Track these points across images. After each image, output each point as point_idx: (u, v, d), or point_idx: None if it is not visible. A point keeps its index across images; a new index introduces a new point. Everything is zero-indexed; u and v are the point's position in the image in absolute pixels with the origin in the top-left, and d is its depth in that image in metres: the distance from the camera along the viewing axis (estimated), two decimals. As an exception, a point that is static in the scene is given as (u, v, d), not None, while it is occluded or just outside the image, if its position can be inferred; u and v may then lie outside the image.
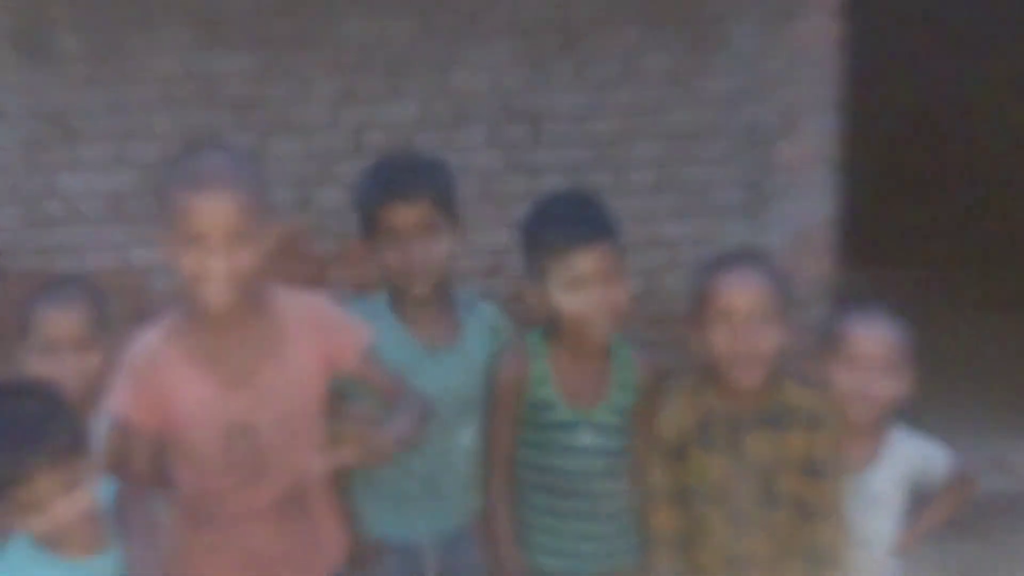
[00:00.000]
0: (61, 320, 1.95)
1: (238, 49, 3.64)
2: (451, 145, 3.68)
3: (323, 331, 1.72)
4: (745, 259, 1.89)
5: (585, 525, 1.91)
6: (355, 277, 3.64)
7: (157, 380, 1.65)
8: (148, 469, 1.70)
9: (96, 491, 1.60)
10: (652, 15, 3.66)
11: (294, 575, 1.80)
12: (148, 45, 3.64)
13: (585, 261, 1.77)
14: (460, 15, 3.67)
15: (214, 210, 1.53)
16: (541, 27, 3.67)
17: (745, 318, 1.76)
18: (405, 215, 1.83)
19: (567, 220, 1.82)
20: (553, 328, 1.89)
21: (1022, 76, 6.24)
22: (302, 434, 1.70)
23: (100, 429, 1.78)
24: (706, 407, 1.88)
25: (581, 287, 1.78)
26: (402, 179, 1.86)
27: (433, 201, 1.86)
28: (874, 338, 1.90)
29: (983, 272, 6.49)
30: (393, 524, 1.96)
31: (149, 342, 1.69)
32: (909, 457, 1.99)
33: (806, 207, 3.68)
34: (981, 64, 6.35)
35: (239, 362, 1.65)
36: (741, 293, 1.78)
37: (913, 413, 2.05)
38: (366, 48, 3.67)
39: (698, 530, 1.89)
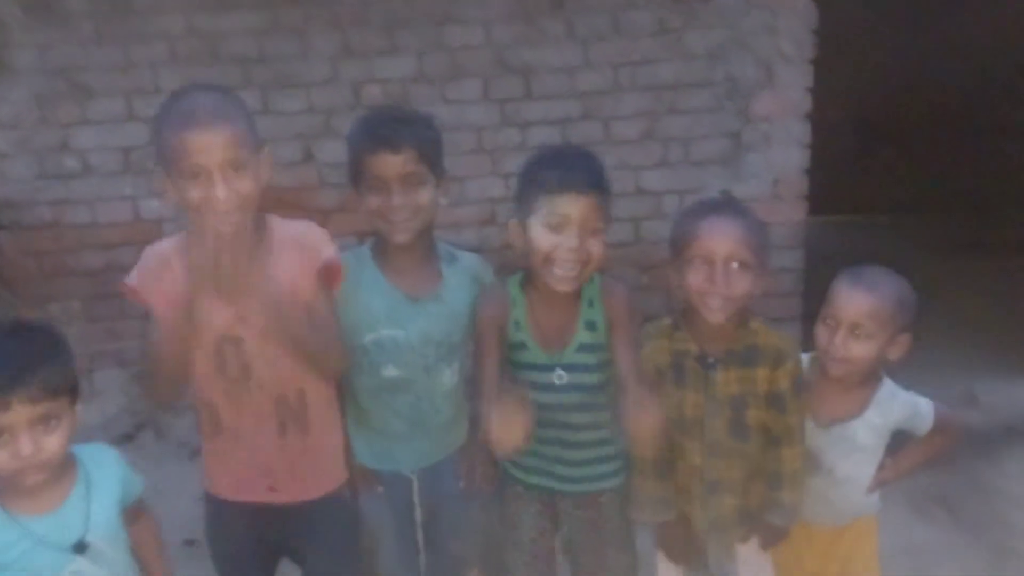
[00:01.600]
0: None
1: (241, 7, 3.75)
2: (446, 99, 3.82)
3: (303, 249, 1.82)
4: (725, 207, 1.97)
5: (565, 451, 2.02)
6: (356, 228, 3.77)
7: (163, 275, 1.79)
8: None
9: (66, 445, 1.64)
10: (638, -28, 3.75)
11: (298, 485, 1.93)
12: (154, 3, 3.75)
13: (572, 205, 1.84)
14: (454, -28, 3.75)
15: (211, 143, 1.62)
16: (532, -17, 3.75)
17: (723, 262, 1.86)
18: (390, 164, 1.90)
19: (565, 166, 1.89)
20: (528, 273, 1.99)
21: (984, 27, 6.33)
22: (285, 347, 1.80)
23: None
24: (679, 347, 1.99)
25: (562, 228, 1.86)
26: (389, 129, 1.92)
27: (418, 152, 1.93)
28: (854, 301, 1.96)
29: (947, 217, 6.66)
30: (381, 459, 2.07)
31: (160, 247, 1.85)
32: (895, 412, 2.04)
33: (782, 157, 3.82)
34: (946, 16, 6.45)
35: (231, 278, 1.71)
36: (720, 239, 1.86)
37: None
38: (364, 4, 3.76)
39: (676, 456, 2.01)
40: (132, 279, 1.83)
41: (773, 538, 2.08)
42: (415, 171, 1.93)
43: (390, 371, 1.99)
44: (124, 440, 3.88)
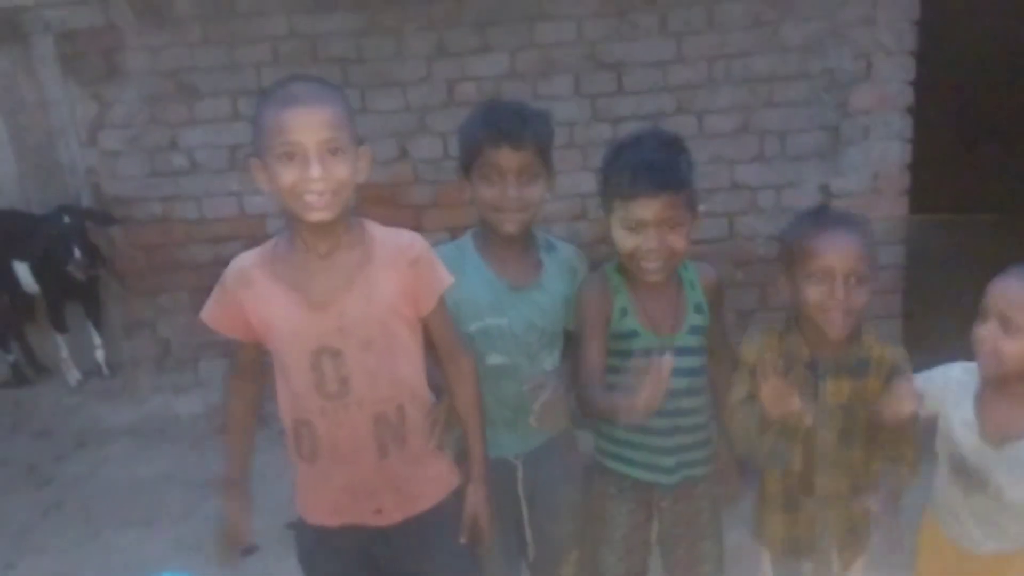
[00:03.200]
0: None
1: (339, 9, 3.85)
2: (538, 95, 3.85)
3: (413, 267, 1.73)
4: (841, 220, 1.91)
5: (667, 440, 2.00)
6: (449, 223, 3.85)
7: (243, 296, 1.69)
8: (251, 368, 1.82)
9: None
10: (733, -36, 3.72)
11: (405, 503, 1.82)
12: (257, 6, 3.88)
13: (645, 209, 1.84)
14: (546, -30, 3.78)
15: (308, 122, 1.57)
16: (624, -22, 3.75)
17: (843, 278, 1.81)
18: (510, 158, 1.92)
19: (636, 167, 1.87)
20: (622, 263, 1.99)
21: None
22: (386, 362, 1.72)
23: None
24: (791, 350, 1.93)
25: (639, 230, 1.87)
26: (512, 123, 1.93)
27: (537, 148, 1.96)
28: (1010, 294, 1.79)
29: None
30: (489, 446, 2.03)
31: (243, 261, 1.73)
32: None
33: (882, 151, 3.73)
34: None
35: (325, 287, 1.66)
36: (841, 255, 1.82)
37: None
38: (457, 4, 3.82)
39: (775, 462, 1.96)
40: (208, 313, 1.75)
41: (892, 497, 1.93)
42: (532, 165, 1.96)
43: (495, 359, 2.01)
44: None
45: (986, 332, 1.80)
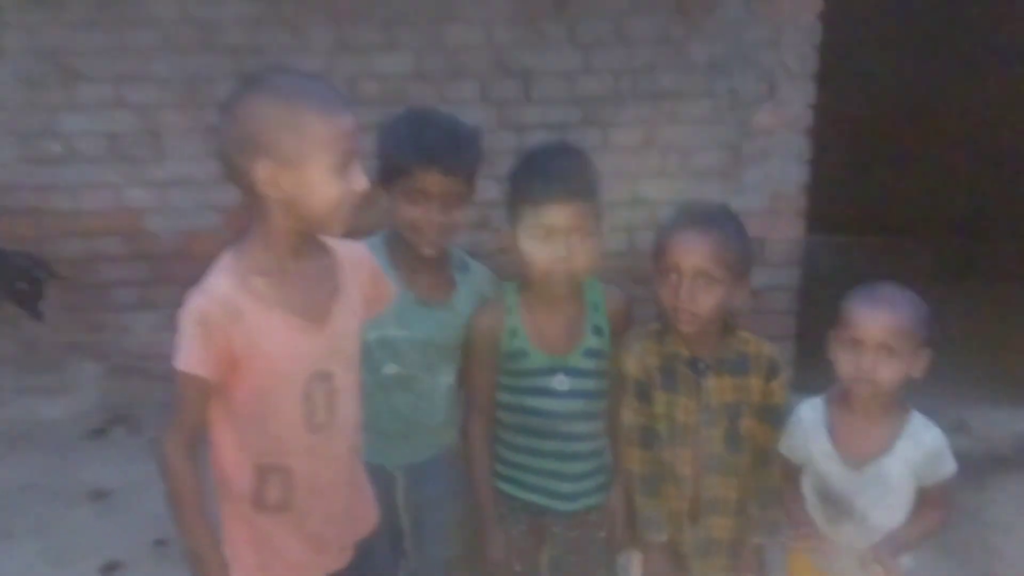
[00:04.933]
0: None
1: (236, -3, 3.68)
2: (445, 99, 3.76)
3: (372, 278, 1.72)
4: (701, 218, 1.89)
5: (561, 464, 1.98)
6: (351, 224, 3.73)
7: (232, 333, 1.48)
8: (202, 423, 1.56)
9: None
10: (643, -22, 3.70)
11: (352, 535, 1.74)
12: (149, -11, 3.67)
13: (556, 215, 1.82)
14: (455, -31, 3.70)
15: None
16: (535, -15, 3.70)
17: (690, 277, 1.81)
18: (440, 183, 1.86)
19: (546, 173, 1.86)
20: (525, 278, 1.95)
21: (992, 51, 6.34)
22: (357, 383, 1.67)
23: None
24: (669, 350, 1.93)
25: (549, 239, 1.83)
26: (447, 148, 1.87)
27: (467, 175, 1.92)
28: (878, 320, 1.83)
29: (940, 240, 6.64)
30: (371, 453, 1.98)
31: (220, 292, 1.49)
32: (927, 443, 1.87)
33: (781, 172, 3.79)
34: (950, 39, 6.45)
35: (313, 303, 1.56)
36: (687, 253, 1.81)
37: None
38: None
39: (667, 474, 1.95)
40: (188, 363, 1.48)
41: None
42: (460, 192, 1.91)
43: (391, 368, 1.97)
44: (96, 435, 3.79)
45: (866, 363, 1.83)
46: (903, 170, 6.82)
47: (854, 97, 6.32)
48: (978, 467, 3.56)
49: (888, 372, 1.82)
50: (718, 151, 3.82)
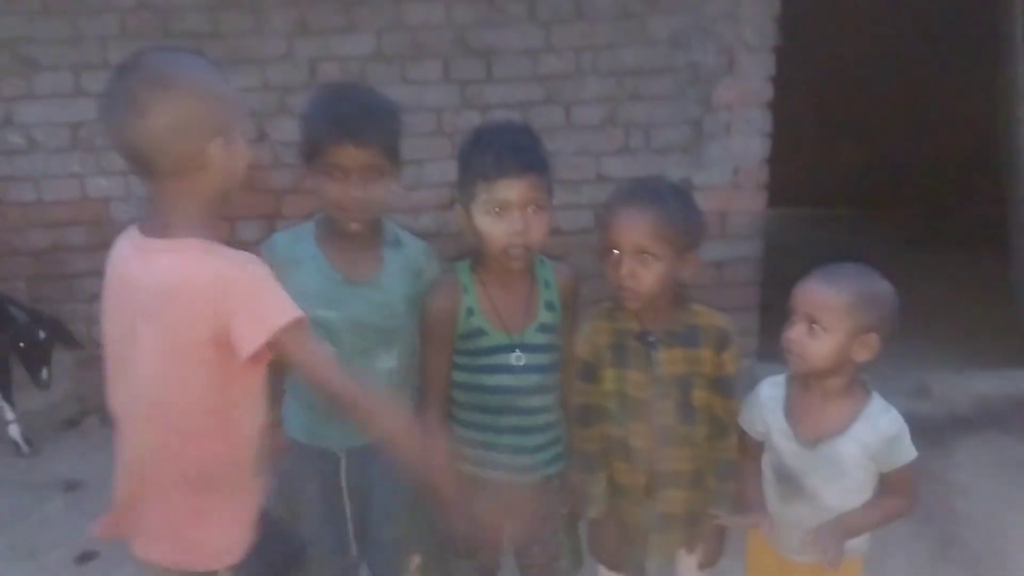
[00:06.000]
0: None
1: (194, -19, 3.64)
2: (407, 79, 3.76)
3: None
4: (638, 196, 1.88)
5: (520, 438, 2.00)
6: (309, 209, 3.70)
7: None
8: None
9: None
10: (603, -46, 3.70)
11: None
12: (104, -25, 3.62)
13: (509, 190, 1.81)
14: (414, -50, 3.68)
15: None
16: (494, -36, 3.69)
17: (629, 254, 1.82)
18: (354, 156, 1.84)
19: (498, 149, 1.84)
20: (479, 255, 1.96)
21: (947, 24, 6.41)
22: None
23: None
24: (620, 326, 1.94)
25: (502, 214, 1.84)
26: (357, 120, 1.85)
27: (383, 147, 1.88)
28: (809, 293, 1.83)
29: (902, 211, 6.75)
30: (313, 434, 2.03)
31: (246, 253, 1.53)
32: (883, 428, 1.85)
33: (743, 146, 3.81)
34: (908, 9, 6.50)
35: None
36: (626, 230, 1.82)
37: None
38: (321, -19, 3.67)
39: (619, 449, 1.97)
40: (296, 308, 1.44)
41: (715, 551, 2.04)
42: (377, 164, 1.88)
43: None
44: (69, 426, 3.79)
45: (794, 334, 1.85)
46: (867, 143, 6.91)
47: (817, 70, 6.37)
48: (939, 430, 3.64)
49: (815, 348, 1.82)
50: (680, 127, 3.83)
